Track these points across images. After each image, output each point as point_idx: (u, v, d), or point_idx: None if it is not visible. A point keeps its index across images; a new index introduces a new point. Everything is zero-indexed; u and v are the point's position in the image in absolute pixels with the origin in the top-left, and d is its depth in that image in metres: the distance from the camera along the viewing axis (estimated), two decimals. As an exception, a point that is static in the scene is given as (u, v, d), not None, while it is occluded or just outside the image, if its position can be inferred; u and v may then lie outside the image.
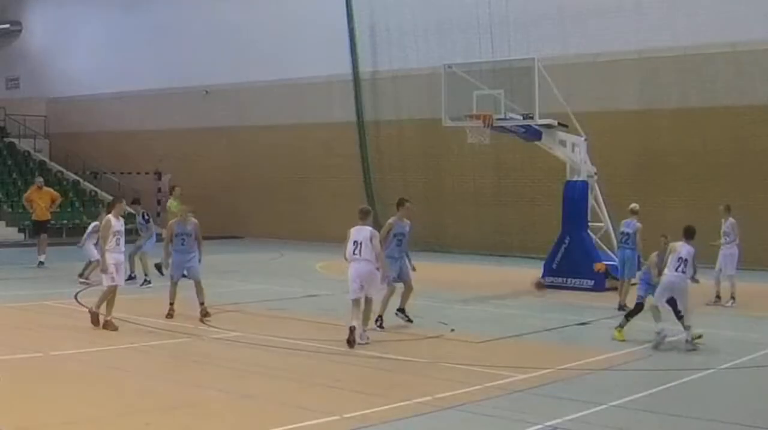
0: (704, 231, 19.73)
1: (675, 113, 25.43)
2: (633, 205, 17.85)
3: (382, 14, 30.96)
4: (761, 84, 24.22)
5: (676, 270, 13.07)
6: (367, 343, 12.65)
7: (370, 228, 12.96)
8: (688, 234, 13.33)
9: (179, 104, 36.61)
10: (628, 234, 17.34)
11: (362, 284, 12.75)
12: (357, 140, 31.74)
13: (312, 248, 27.91)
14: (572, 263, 19.68)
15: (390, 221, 14.51)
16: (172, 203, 21.03)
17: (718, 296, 17.90)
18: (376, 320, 13.90)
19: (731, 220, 18.33)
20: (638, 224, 17.41)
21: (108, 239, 13.83)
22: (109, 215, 14.16)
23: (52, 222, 33.53)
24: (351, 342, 12.40)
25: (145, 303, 16.92)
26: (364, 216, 13.12)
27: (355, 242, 12.77)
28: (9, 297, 17.21)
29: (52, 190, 24.74)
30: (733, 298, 17.81)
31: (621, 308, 16.76)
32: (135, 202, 20.72)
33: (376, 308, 13.74)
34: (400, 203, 14.67)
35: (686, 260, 13.06)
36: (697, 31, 24.69)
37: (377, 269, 12.87)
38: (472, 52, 27.14)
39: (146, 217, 20.18)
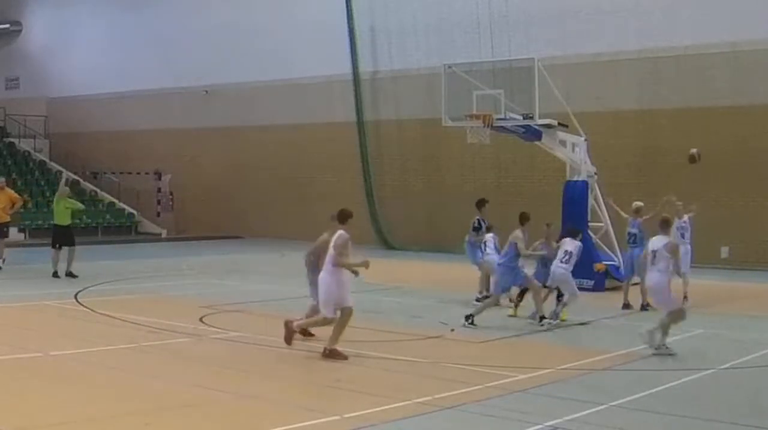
0: (703, 230, 19.85)
1: (675, 113, 25.41)
2: (636, 203, 17.73)
3: (382, 14, 30.95)
4: (761, 84, 24.21)
5: (561, 262, 14.75)
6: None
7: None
8: (572, 233, 15.27)
9: (179, 104, 36.64)
10: (634, 235, 17.23)
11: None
12: (357, 140, 31.74)
13: (312, 248, 27.84)
14: (572, 262, 19.63)
15: (517, 232, 14.93)
16: (65, 202, 20.88)
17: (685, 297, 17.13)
18: (536, 317, 14.88)
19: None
20: (640, 220, 17.37)
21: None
22: (325, 234, 12.50)
23: (51, 222, 33.80)
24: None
25: (145, 303, 16.94)
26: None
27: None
28: (9, 297, 17.19)
29: (12, 191, 23.31)
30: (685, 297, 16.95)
31: (626, 306, 16.77)
32: (480, 203, 17.86)
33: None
34: (526, 218, 15.36)
35: (572, 252, 14.75)
36: (697, 31, 24.67)
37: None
38: (472, 52, 27.11)
39: (480, 224, 17.49)
